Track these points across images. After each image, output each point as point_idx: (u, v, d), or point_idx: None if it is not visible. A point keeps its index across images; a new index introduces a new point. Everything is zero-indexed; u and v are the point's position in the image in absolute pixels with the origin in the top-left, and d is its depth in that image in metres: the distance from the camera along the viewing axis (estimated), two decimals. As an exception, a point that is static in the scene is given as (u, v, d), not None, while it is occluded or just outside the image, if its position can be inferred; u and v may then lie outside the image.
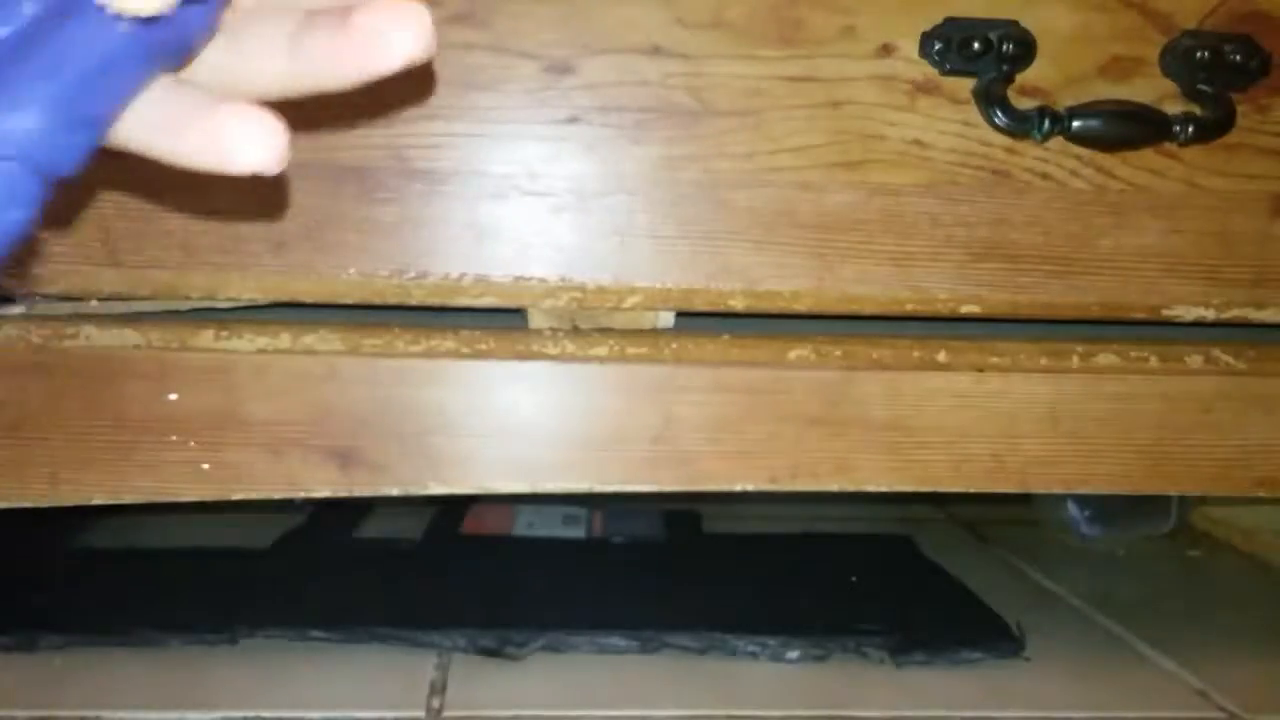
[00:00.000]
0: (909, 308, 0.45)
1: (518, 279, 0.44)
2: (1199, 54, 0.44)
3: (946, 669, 0.53)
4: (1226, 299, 0.46)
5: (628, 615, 0.56)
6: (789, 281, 0.44)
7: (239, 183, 0.40)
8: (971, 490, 0.46)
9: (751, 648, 0.53)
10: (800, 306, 0.45)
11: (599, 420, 0.45)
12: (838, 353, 0.46)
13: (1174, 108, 0.44)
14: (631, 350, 0.45)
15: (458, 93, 0.42)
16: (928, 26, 0.43)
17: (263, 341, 0.43)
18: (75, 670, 0.50)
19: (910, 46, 0.43)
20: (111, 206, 0.42)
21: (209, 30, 0.23)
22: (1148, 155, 0.45)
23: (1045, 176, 0.45)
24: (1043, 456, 0.46)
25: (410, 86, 0.42)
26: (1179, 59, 0.44)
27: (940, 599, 0.63)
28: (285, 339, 0.43)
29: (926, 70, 0.44)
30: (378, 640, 0.53)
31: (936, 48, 0.43)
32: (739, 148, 0.43)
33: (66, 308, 0.43)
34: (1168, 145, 0.45)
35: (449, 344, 0.44)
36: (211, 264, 0.43)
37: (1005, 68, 0.43)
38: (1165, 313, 0.46)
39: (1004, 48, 0.43)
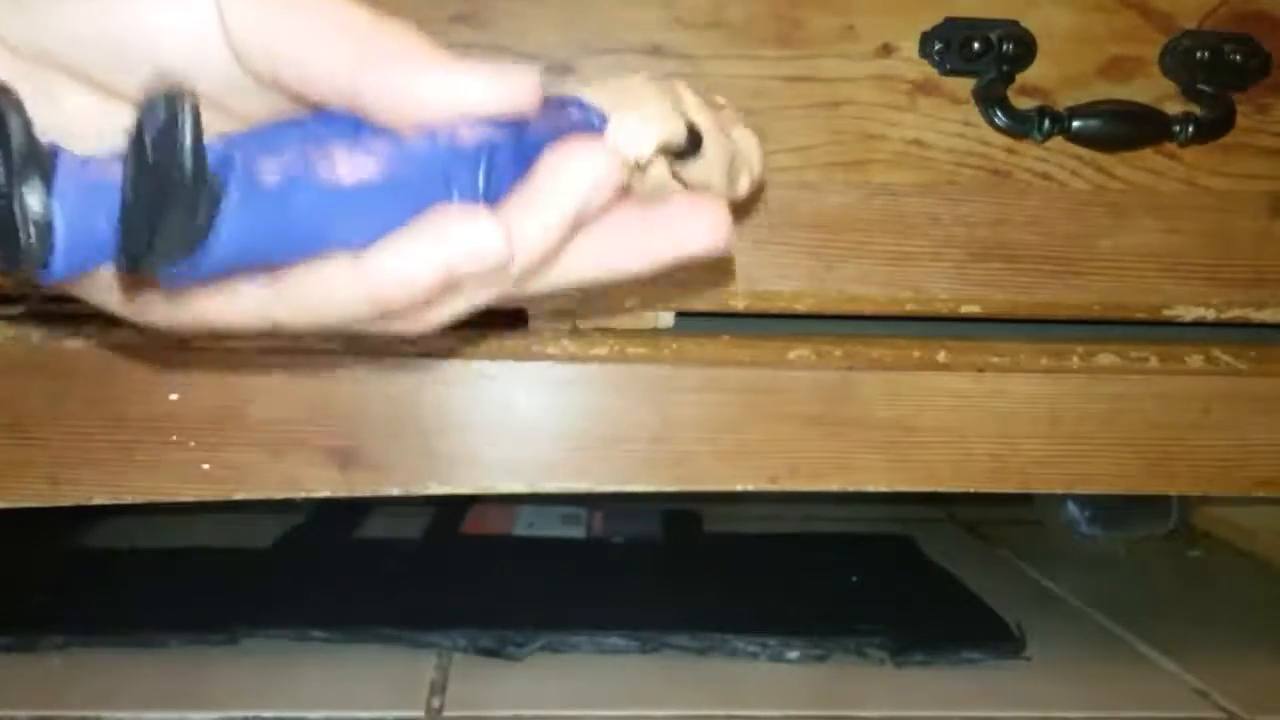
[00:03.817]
0: (909, 308, 0.45)
1: (518, 279, 0.44)
2: (1199, 54, 0.44)
3: (946, 669, 0.53)
4: (1226, 299, 0.46)
5: (628, 615, 0.56)
6: (789, 281, 0.44)
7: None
8: (972, 490, 0.46)
9: (751, 648, 0.53)
10: (800, 306, 0.45)
11: (599, 420, 0.45)
12: (838, 353, 0.46)
13: (1174, 108, 0.44)
14: (631, 350, 0.45)
15: (458, 93, 0.42)
16: (928, 26, 0.43)
17: (263, 341, 0.43)
18: (75, 670, 0.50)
19: (910, 46, 0.43)
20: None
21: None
22: (1148, 155, 0.45)
23: (1045, 176, 0.45)
24: (1043, 456, 0.46)
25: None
26: (1179, 59, 0.44)
27: (940, 599, 0.63)
28: (285, 339, 0.43)
29: (926, 70, 0.44)
30: (378, 640, 0.53)
31: (936, 48, 0.43)
32: (739, 148, 0.43)
33: (67, 308, 0.43)
34: (1168, 145, 0.45)
35: (449, 344, 0.44)
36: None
37: (1005, 68, 0.43)
38: (1165, 313, 0.46)
39: (1004, 48, 0.43)
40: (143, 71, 0.21)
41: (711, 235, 0.25)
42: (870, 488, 0.46)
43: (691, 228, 0.25)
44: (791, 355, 0.45)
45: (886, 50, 0.43)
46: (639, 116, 0.26)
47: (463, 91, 0.22)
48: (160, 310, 0.25)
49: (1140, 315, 0.46)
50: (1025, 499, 0.82)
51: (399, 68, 0.22)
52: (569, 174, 0.23)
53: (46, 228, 0.20)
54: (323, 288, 0.23)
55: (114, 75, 0.23)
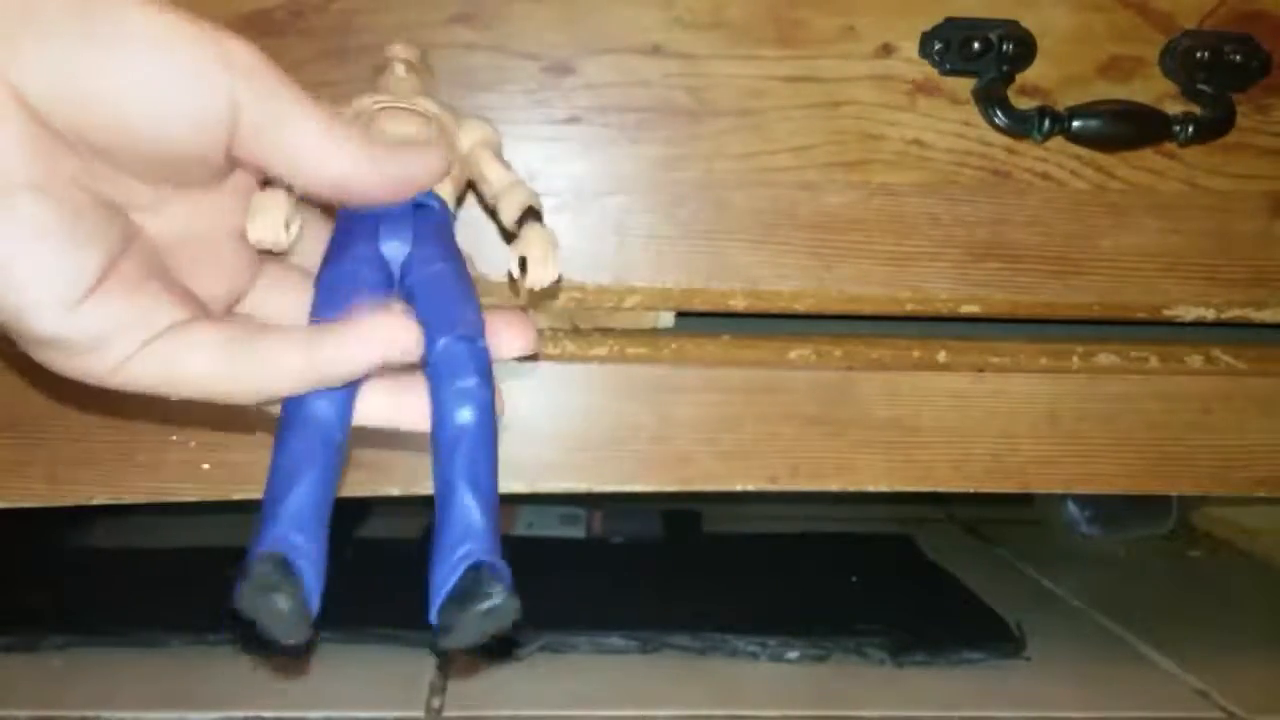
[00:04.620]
0: (909, 308, 0.45)
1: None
2: (1199, 54, 0.44)
3: (946, 669, 0.53)
4: (1226, 299, 0.46)
5: (628, 615, 0.56)
6: (789, 281, 0.44)
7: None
8: (972, 490, 0.46)
9: (751, 648, 0.53)
10: (800, 306, 0.45)
11: (598, 420, 0.45)
12: (838, 353, 0.46)
13: (1174, 108, 0.44)
14: (631, 350, 0.45)
15: (458, 93, 0.42)
16: (928, 26, 0.43)
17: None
18: (75, 670, 0.50)
19: (910, 46, 0.43)
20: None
21: None
22: (1148, 155, 0.45)
23: (1045, 176, 0.45)
24: (1042, 456, 0.46)
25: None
26: (1179, 59, 0.44)
27: (940, 599, 0.63)
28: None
29: (926, 70, 0.44)
30: (378, 640, 0.53)
31: (936, 48, 0.43)
32: (738, 148, 0.43)
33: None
34: (1168, 145, 0.45)
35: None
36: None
37: (1005, 68, 0.43)
38: (1165, 313, 0.46)
39: (1004, 48, 0.43)
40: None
41: (523, 342, 0.31)
42: (870, 488, 0.46)
43: (504, 338, 0.30)
44: (791, 355, 0.45)
45: (886, 50, 0.43)
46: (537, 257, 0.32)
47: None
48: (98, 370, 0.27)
49: (1140, 315, 0.46)
50: (1025, 499, 0.82)
51: None
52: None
53: None
54: (275, 369, 0.27)
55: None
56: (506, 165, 0.35)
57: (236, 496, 0.44)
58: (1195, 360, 0.47)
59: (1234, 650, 0.57)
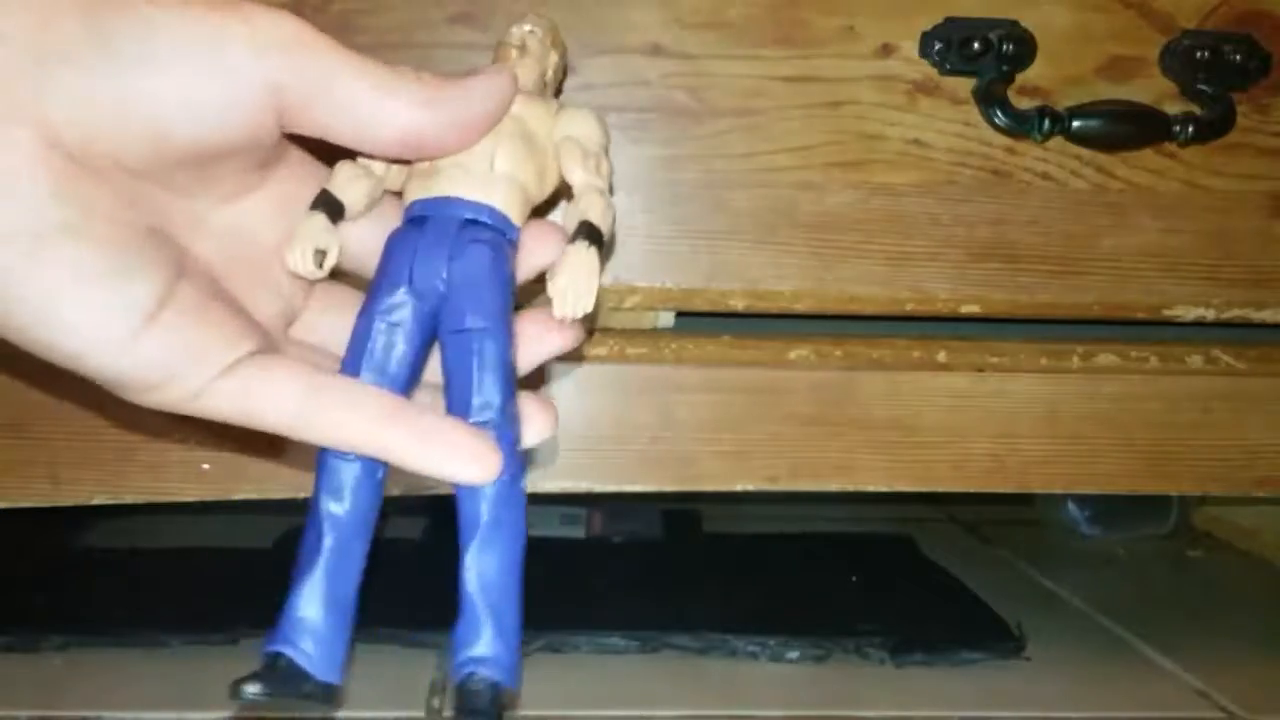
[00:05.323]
0: (909, 308, 0.45)
1: (518, 279, 0.44)
2: (1199, 54, 0.44)
3: (946, 669, 0.53)
4: (1226, 299, 0.46)
5: (628, 615, 0.56)
6: (789, 281, 0.44)
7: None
8: (971, 490, 0.46)
9: (751, 648, 0.53)
10: (800, 306, 0.45)
11: (598, 420, 0.45)
12: (838, 353, 0.46)
13: (1174, 108, 0.44)
14: (631, 350, 0.45)
15: (458, 93, 0.42)
16: (928, 26, 0.43)
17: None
18: (76, 670, 0.50)
19: (910, 46, 0.43)
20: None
21: None
22: (1148, 155, 0.45)
23: (1045, 176, 0.45)
24: (1043, 456, 0.46)
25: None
26: (1179, 59, 0.44)
27: (940, 599, 0.63)
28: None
29: (926, 70, 0.44)
30: (378, 640, 0.53)
31: (936, 48, 0.43)
32: (738, 148, 0.43)
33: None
34: (1168, 145, 0.45)
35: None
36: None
37: (1005, 68, 0.43)
38: (1165, 313, 0.46)
39: (1004, 48, 0.43)
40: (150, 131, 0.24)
41: (545, 430, 0.30)
42: (870, 488, 0.46)
43: (527, 426, 0.29)
44: (791, 355, 0.45)
45: (886, 50, 0.43)
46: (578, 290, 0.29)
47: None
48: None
49: (1140, 315, 0.46)
50: (1025, 499, 0.82)
51: None
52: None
53: None
54: (345, 435, 0.27)
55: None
56: (592, 168, 0.30)
57: (236, 496, 0.44)
58: (1195, 360, 0.47)
59: (1234, 650, 0.57)
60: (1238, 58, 0.44)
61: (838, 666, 0.53)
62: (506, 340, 0.28)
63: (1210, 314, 0.46)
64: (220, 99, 0.24)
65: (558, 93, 0.35)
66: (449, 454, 0.27)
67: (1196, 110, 0.44)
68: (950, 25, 0.43)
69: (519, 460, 0.28)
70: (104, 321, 0.24)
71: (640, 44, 0.43)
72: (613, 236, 0.31)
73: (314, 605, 0.27)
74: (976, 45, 0.43)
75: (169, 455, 0.43)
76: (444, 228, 0.28)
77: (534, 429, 0.29)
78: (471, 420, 0.27)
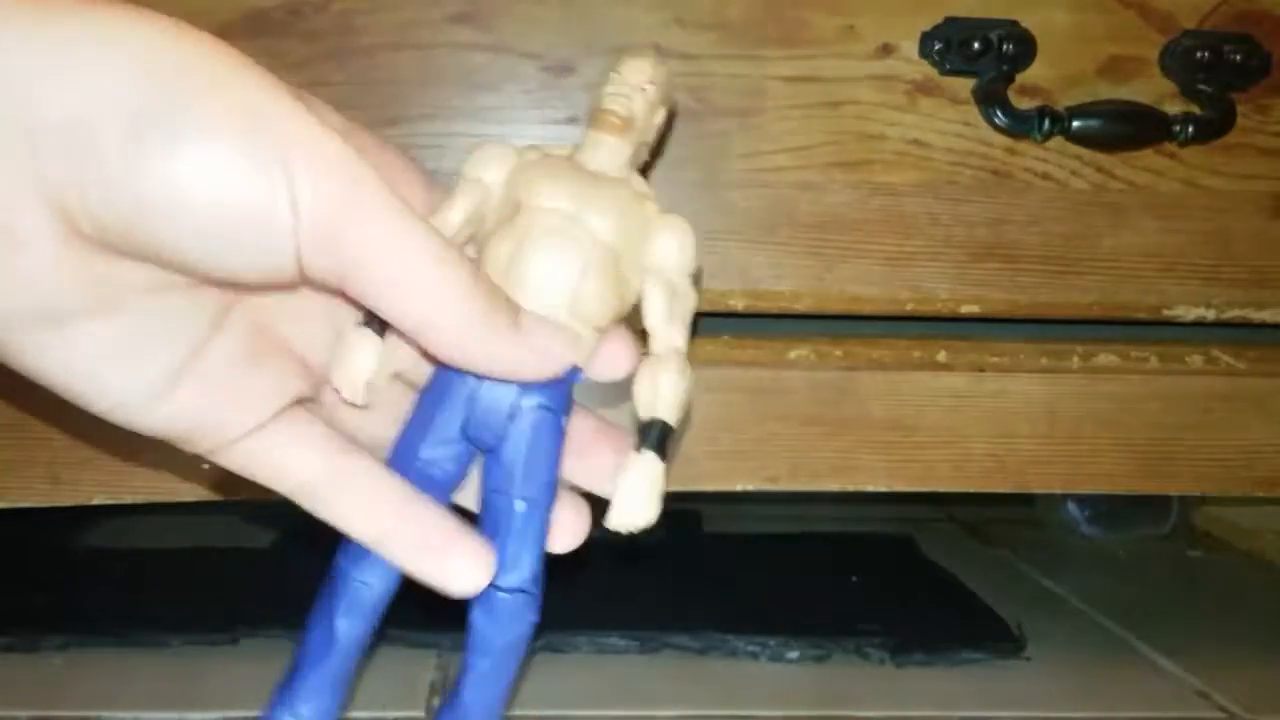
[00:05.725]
0: (909, 308, 0.45)
1: (518, 279, 0.44)
2: (1199, 54, 0.44)
3: (946, 669, 0.53)
4: (1226, 299, 0.46)
5: (628, 615, 0.56)
6: (789, 281, 0.44)
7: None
8: (971, 490, 0.46)
9: (751, 648, 0.53)
10: (800, 306, 0.45)
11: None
12: (838, 353, 0.46)
13: (1174, 108, 0.44)
14: (631, 350, 0.45)
15: (459, 93, 0.42)
16: (928, 26, 0.43)
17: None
18: (76, 670, 0.50)
19: (910, 46, 0.43)
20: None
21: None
22: (1147, 155, 0.45)
23: (1045, 176, 0.45)
24: (1042, 456, 0.46)
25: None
26: (1179, 59, 0.44)
27: (940, 599, 0.63)
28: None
29: (926, 70, 0.44)
30: (378, 640, 0.53)
31: (936, 48, 0.43)
32: (739, 148, 0.43)
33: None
34: (1167, 145, 0.45)
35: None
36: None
37: (1005, 68, 0.43)
38: (1165, 313, 0.46)
39: (1004, 48, 0.43)
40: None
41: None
42: (870, 488, 0.46)
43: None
44: (791, 355, 0.45)
45: (886, 50, 0.43)
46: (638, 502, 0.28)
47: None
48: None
49: (1140, 315, 0.46)
50: (1025, 499, 0.82)
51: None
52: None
53: None
54: (356, 522, 0.27)
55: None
56: (678, 320, 0.27)
57: (236, 496, 0.44)
58: (1195, 360, 0.47)
59: (1234, 650, 0.57)
60: (1237, 58, 0.44)
61: (837, 666, 0.53)
62: (549, 507, 0.27)
63: (1210, 314, 0.46)
64: (256, 273, 0.23)
65: (654, 153, 0.30)
66: (438, 570, 0.27)
67: (1196, 110, 0.44)
68: (950, 25, 0.43)
69: (538, 612, 0.29)
70: (127, 391, 0.25)
71: (640, 44, 0.43)
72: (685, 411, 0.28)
73: (317, 694, 0.29)
74: (976, 45, 0.43)
75: (169, 455, 0.43)
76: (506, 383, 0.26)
77: (562, 540, 0.29)
78: (501, 582, 0.28)
